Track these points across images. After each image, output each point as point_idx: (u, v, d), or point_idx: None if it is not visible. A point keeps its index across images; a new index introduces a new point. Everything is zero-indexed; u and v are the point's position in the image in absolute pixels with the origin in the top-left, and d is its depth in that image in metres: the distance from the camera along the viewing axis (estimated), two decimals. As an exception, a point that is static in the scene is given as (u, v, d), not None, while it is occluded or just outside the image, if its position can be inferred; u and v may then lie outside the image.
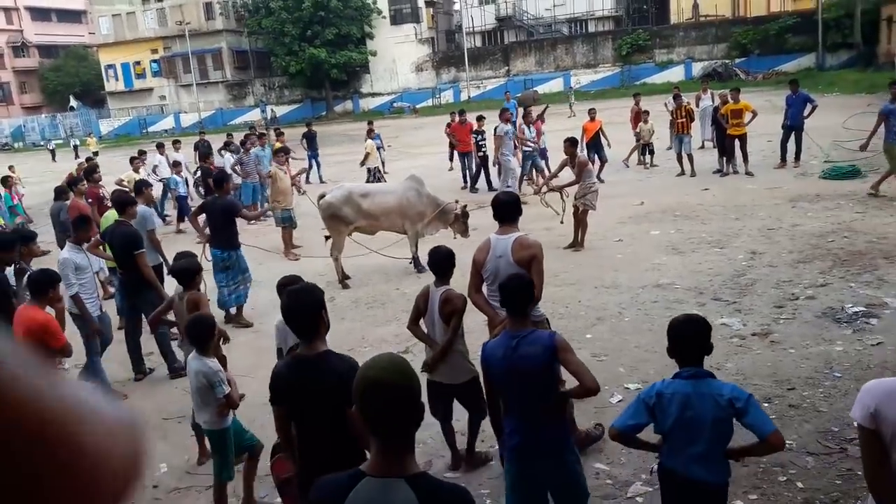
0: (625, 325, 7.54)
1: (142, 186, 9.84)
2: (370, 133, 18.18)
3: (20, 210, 14.04)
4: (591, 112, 16.93)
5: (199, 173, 18.72)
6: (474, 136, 16.71)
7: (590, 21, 52.92)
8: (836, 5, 40.36)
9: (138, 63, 60.17)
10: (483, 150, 16.62)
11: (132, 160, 15.49)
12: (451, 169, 19.29)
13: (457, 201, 10.77)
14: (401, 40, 53.32)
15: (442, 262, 4.93)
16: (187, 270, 5.58)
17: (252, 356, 7.37)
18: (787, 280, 8.46)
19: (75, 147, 41.44)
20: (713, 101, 17.95)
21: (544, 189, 10.93)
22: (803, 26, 43.17)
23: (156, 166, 17.06)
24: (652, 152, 17.51)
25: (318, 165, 20.42)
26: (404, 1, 53.55)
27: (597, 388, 3.55)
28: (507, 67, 52.19)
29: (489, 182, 16.77)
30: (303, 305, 3.29)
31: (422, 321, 5.09)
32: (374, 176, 16.97)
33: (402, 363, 2.13)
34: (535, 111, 17.17)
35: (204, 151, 20.26)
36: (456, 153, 18.19)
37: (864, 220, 10.81)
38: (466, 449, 5.25)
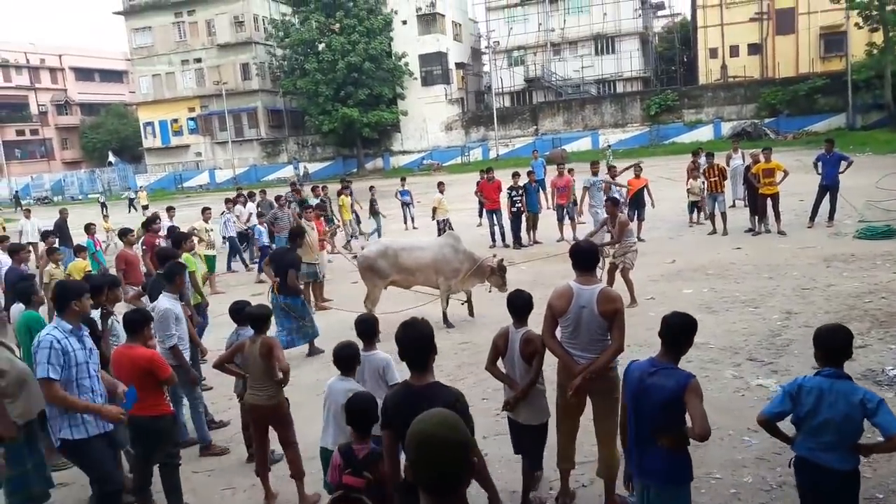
0: (658, 384, 7.43)
1: (181, 239, 10.12)
2: (440, 187, 18.78)
3: (101, 257, 14.36)
4: (637, 169, 16.87)
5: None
6: (509, 192, 16.89)
7: (618, 82, 53.62)
8: (866, 66, 40.47)
9: (175, 121, 62.05)
10: (517, 205, 16.75)
11: (203, 210, 16.08)
12: (480, 225, 19.42)
13: (494, 255, 10.82)
14: (431, 100, 54.43)
15: (522, 305, 5.14)
16: (262, 316, 5.89)
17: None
18: (824, 341, 8.29)
19: (131, 201, 42.25)
20: (744, 160, 17.95)
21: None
22: (833, 87, 43.29)
23: (251, 214, 17.76)
24: (700, 209, 17.42)
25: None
26: (435, 63, 54.83)
27: (705, 435, 3.76)
28: (535, 126, 52.87)
29: (517, 237, 16.87)
30: (416, 338, 3.60)
31: (499, 362, 5.23)
32: (444, 228, 17.28)
33: (454, 418, 2.13)
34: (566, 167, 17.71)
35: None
36: (485, 210, 18.32)
37: (901, 280, 10.63)
38: (522, 494, 5.31)
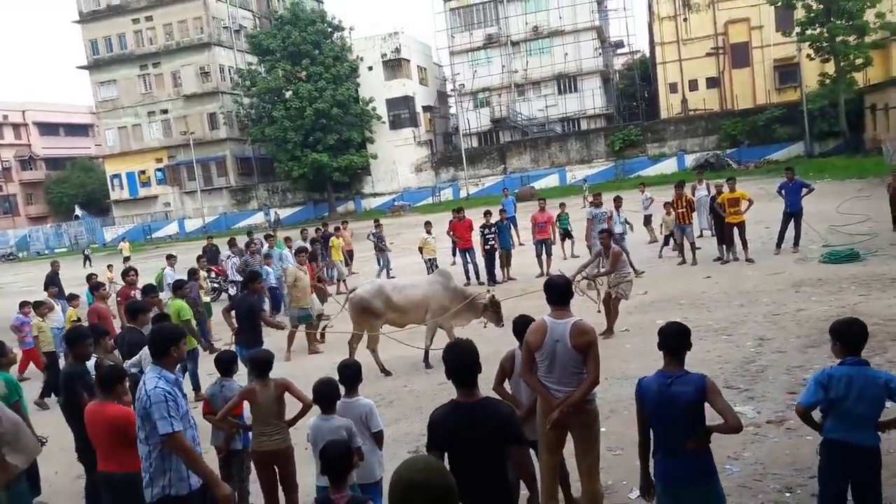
0: (638, 416, 7.44)
1: (147, 292, 10.03)
2: (427, 227, 18.49)
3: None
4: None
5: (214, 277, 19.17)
6: (482, 230, 17.02)
7: (582, 119, 54.58)
8: (820, 96, 41.70)
9: (143, 172, 61.66)
10: (490, 243, 16.87)
11: (199, 258, 16.25)
12: (454, 263, 19.44)
13: (488, 291, 10.89)
14: (400, 143, 54.93)
15: (525, 329, 5.30)
16: (265, 361, 5.90)
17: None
18: (797, 365, 8.41)
19: (121, 250, 41.65)
20: (709, 191, 18.25)
21: (578, 277, 11.03)
22: (790, 117, 44.55)
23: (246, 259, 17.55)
24: (678, 242, 17.47)
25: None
26: (402, 107, 55.49)
27: (739, 426, 4.16)
28: (503, 165, 53.48)
29: (491, 274, 16.96)
30: (463, 355, 3.80)
31: (506, 383, 5.48)
32: (432, 267, 17.24)
33: (439, 464, 2.17)
34: (547, 204, 18.16)
35: (212, 256, 20.62)
36: (458, 249, 18.40)
37: (868, 302, 10.84)
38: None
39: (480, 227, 17.16)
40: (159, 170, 61.46)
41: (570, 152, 52.23)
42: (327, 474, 3.82)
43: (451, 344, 3.97)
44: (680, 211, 16.25)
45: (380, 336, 10.66)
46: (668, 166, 47.46)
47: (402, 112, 55.55)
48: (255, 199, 59.63)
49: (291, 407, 5.80)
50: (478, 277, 17.26)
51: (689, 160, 46.98)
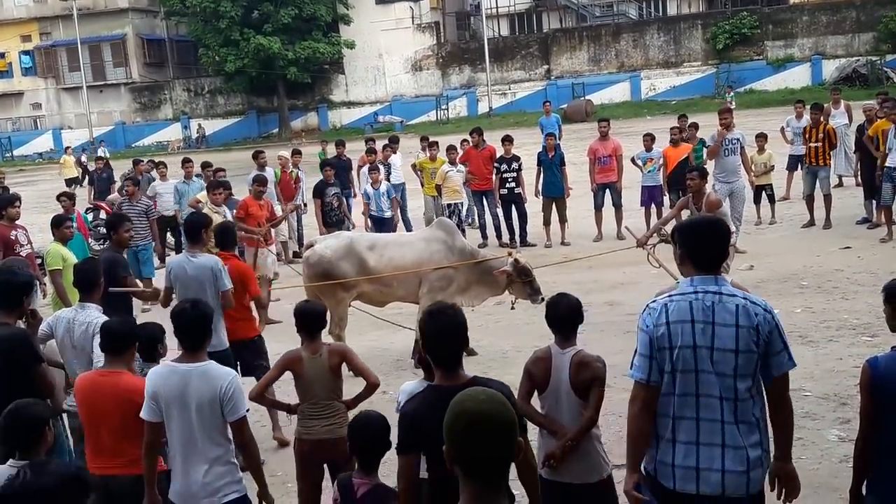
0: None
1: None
2: (451, 154, 17.85)
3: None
4: (676, 131, 16.67)
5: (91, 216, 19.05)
6: (497, 165, 16.85)
7: (669, 0, 54.06)
8: None
9: (2, 55, 61.36)
10: (509, 185, 16.69)
11: (213, 188, 15.49)
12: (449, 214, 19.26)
13: (509, 253, 10.67)
14: (390, 26, 54.61)
15: (569, 314, 5.46)
16: (314, 315, 6.39)
17: None
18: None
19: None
20: (849, 117, 18.01)
21: (654, 239, 10.65)
22: None
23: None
24: (771, 199, 17.25)
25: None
26: (397, -30, 54.97)
27: None
28: (546, 66, 53.31)
29: (511, 231, 16.97)
30: (448, 327, 4.22)
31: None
32: (457, 216, 16.68)
33: (501, 396, 2.86)
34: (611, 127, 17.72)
35: (102, 187, 20.50)
36: (471, 192, 18.19)
37: None
38: None
39: (495, 162, 16.99)
40: (26, 53, 61.18)
41: (648, 50, 51.98)
42: (357, 454, 4.94)
43: (431, 311, 4.34)
44: (814, 146, 16.01)
45: (348, 316, 10.56)
46: (798, 76, 47.28)
47: (395, -22, 55.18)
48: (169, 104, 59.54)
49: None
50: (499, 235, 17.19)
51: (830, 68, 46.71)
